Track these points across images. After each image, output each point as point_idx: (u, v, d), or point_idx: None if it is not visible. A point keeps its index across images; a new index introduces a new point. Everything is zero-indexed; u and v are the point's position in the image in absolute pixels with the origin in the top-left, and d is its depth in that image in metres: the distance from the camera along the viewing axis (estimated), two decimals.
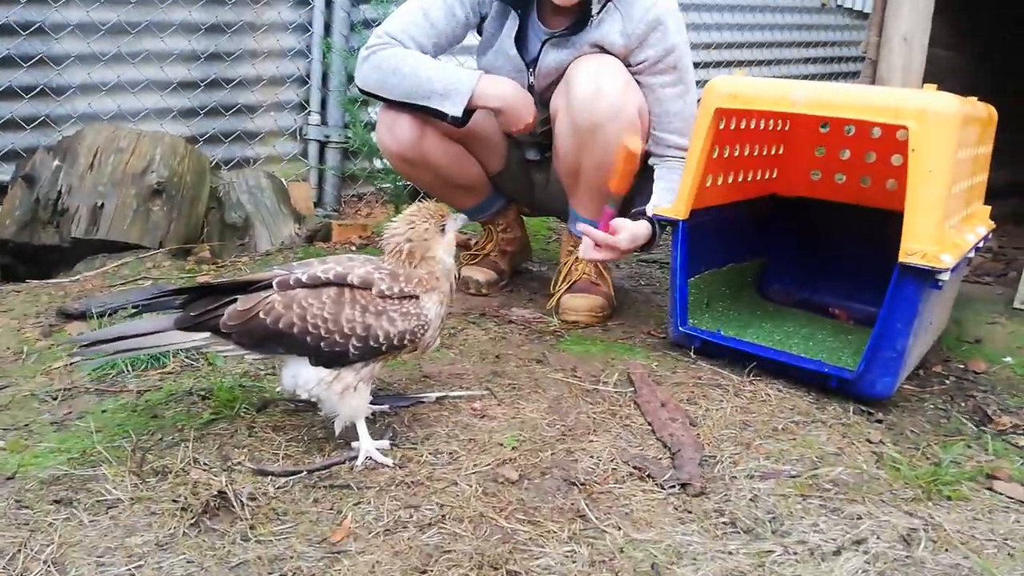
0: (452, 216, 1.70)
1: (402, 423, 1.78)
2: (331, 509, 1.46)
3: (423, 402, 1.87)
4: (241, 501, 1.46)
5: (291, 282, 1.58)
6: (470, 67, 2.52)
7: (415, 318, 1.61)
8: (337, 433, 1.66)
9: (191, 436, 1.68)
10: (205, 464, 1.59)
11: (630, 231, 2.21)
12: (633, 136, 2.16)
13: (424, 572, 1.31)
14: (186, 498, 1.46)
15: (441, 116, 2.28)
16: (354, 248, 3.14)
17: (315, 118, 3.49)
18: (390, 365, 1.89)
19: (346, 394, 1.59)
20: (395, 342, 1.59)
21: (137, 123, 3.11)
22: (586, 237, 2.19)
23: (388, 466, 1.59)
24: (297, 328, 1.54)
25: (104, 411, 1.81)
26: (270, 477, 1.55)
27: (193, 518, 1.41)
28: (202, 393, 1.88)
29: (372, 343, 1.56)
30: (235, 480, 1.53)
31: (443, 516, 1.45)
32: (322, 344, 1.55)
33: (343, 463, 1.60)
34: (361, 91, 2.42)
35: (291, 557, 1.33)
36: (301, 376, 1.59)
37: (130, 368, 2.00)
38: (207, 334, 1.59)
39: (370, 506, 1.47)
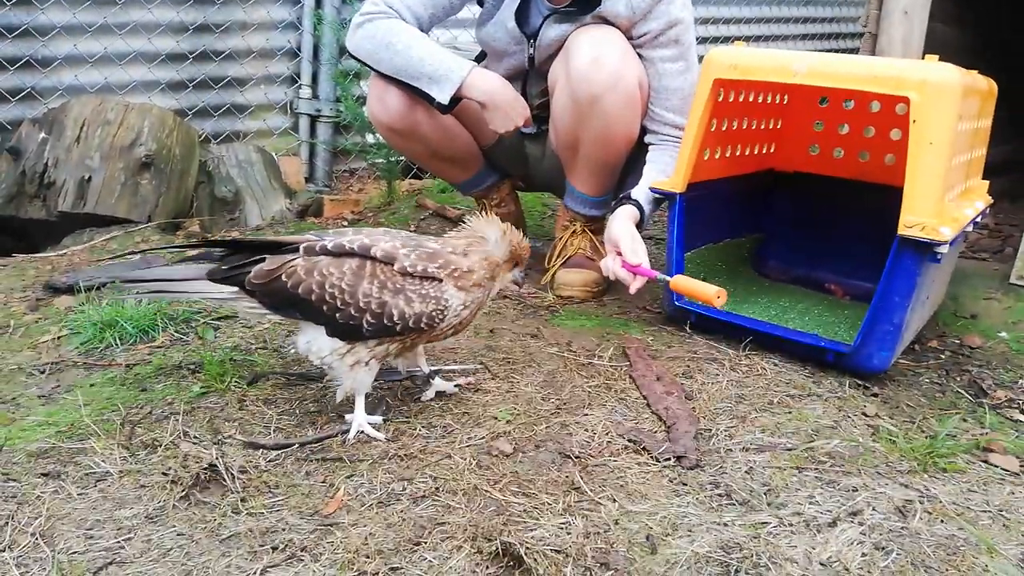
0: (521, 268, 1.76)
1: (395, 396, 1.77)
2: (323, 482, 1.45)
3: (416, 376, 1.85)
4: (232, 474, 1.44)
5: (317, 248, 1.57)
6: (464, 40, 2.48)
7: (433, 301, 1.57)
8: (337, 401, 1.65)
9: (181, 410, 1.66)
10: (195, 437, 1.57)
11: (629, 238, 2.12)
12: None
13: (418, 544, 1.30)
14: (176, 471, 1.44)
15: (428, 99, 2.24)
16: (346, 223, 3.11)
17: (306, 91, 3.43)
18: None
19: (356, 368, 1.58)
20: (410, 323, 1.55)
21: (125, 95, 3.06)
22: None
23: (380, 440, 1.58)
24: (315, 296, 1.53)
25: (92, 385, 1.78)
26: (261, 450, 1.53)
27: (183, 491, 1.40)
28: (192, 367, 1.85)
29: (386, 321, 1.54)
30: (226, 453, 1.51)
31: (437, 489, 1.44)
32: (337, 315, 1.54)
33: (335, 436, 1.58)
34: (341, 55, 2.38)
35: (283, 529, 1.32)
36: (315, 343, 1.58)
37: (119, 342, 1.97)
38: (234, 289, 1.59)
39: (363, 479, 1.46)
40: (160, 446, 1.53)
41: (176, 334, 2.04)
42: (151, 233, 2.75)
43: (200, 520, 1.34)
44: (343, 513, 1.36)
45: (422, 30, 2.31)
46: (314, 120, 3.48)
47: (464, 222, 1.71)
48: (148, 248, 2.62)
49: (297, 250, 1.58)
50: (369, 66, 2.32)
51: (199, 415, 1.65)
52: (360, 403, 1.61)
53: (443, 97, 2.20)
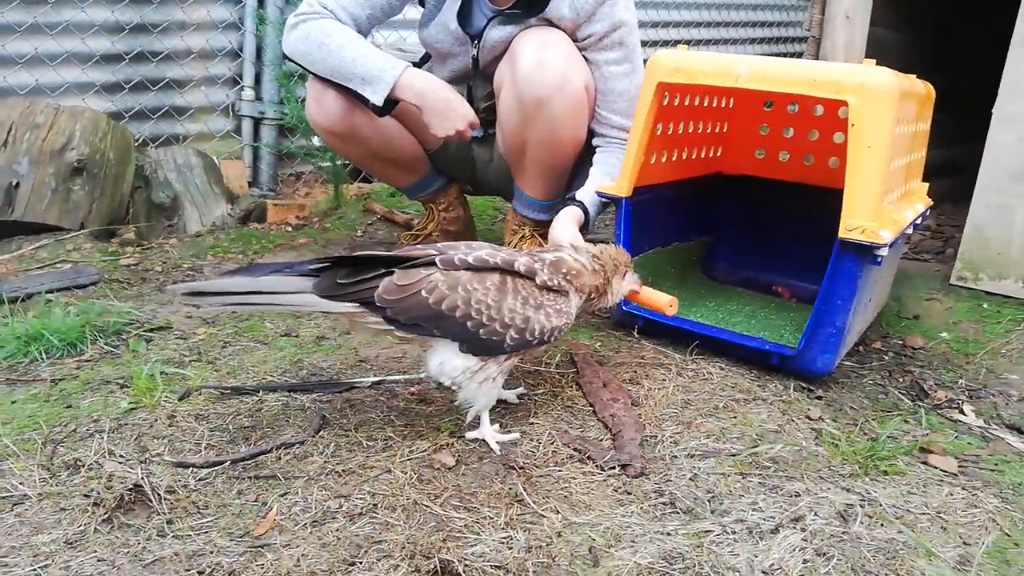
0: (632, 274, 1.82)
1: (334, 410, 1.71)
2: (255, 501, 1.39)
3: (357, 387, 1.80)
4: (158, 495, 1.38)
5: (456, 262, 1.51)
6: (412, 42, 2.43)
7: (565, 316, 1.60)
8: (468, 421, 1.63)
9: (107, 427, 1.59)
10: (121, 456, 1.50)
11: (568, 232, 2.13)
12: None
13: (353, 564, 1.25)
14: (99, 493, 1.37)
15: (364, 100, 2.19)
16: (290, 228, 3.04)
17: (249, 93, 3.35)
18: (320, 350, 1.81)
19: (485, 384, 1.56)
20: (546, 337, 1.57)
21: (57, 98, 2.94)
22: None
23: (497, 453, 1.57)
24: (460, 312, 1.48)
25: (14, 402, 1.70)
26: (191, 469, 1.46)
27: (106, 513, 1.33)
28: (121, 381, 1.77)
29: (528, 336, 1.54)
30: (152, 473, 1.44)
31: (375, 505, 1.39)
32: (481, 331, 1.49)
33: (270, 452, 1.52)
34: (286, 57, 2.31)
35: (210, 552, 1.26)
36: (449, 364, 1.53)
37: (44, 356, 1.89)
38: (354, 304, 1.48)
39: (297, 496, 1.41)
40: (83, 466, 1.46)
41: (106, 347, 1.96)
42: (83, 241, 2.65)
43: (123, 544, 1.28)
44: (275, 534, 1.31)
45: (361, 31, 2.26)
46: (258, 123, 3.40)
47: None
48: (80, 258, 2.52)
49: (428, 264, 1.50)
50: (304, 67, 2.26)
51: (126, 432, 1.58)
52: (486, 418, 1.61)
53: (376, 98, 2.15)
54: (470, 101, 2.39)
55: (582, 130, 2.31)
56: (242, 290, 1.48)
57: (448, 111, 2.17)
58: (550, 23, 2.25)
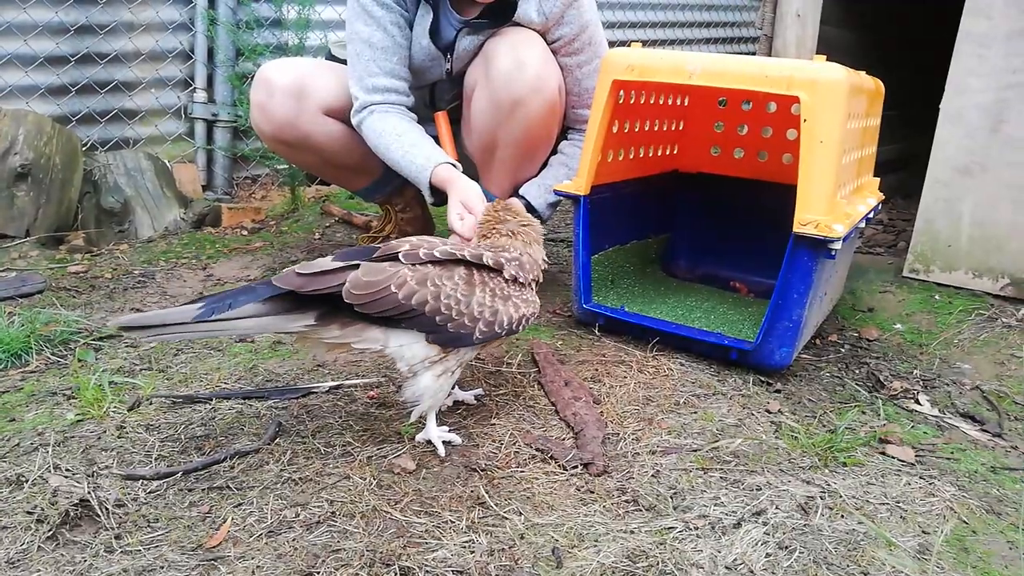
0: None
1: (291, 416, 1.67)
2: (208, 513, 1.35)
3: (314, 393, 1.77)
4: (106, 509, 1.33)
5: (421, 256, 1.49)
6: None
7: (532, 304, 1.62)
8: (413, 419, 1.60)
9: (52, 440, 1.53)
10: (67, 470, 1.44)
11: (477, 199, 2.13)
12: None
13: (310, 574, 1.22)
14: (43, 509, 1.31)
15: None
16: (246, 232, 2.98)
17: (201, 95, 3.27)
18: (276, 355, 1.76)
19: (442, 377, 1.53)
20: (514, 327, 1.57)
21: None
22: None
23: (441, 455, 1.56)
24: (429, 307, 1.46)
25: None
26: (140, 481, 1.42)
27: (50, 530, 1.28)
28: (67, 392, 1.71)
29: (497, 328, 1.54)
30: (100, 486, 1.39)
31: (333, 513, 1.36)
32: (449, 325, 1.48)
33: (224, 461, 1.48)
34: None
35: (161, 568, 1.22)
36: (410, 350, 1.50)
37: None
38: (312, 315, 1.43)
39: (252, 507, 1.37)
40: (26, 482, 1.40)
41: (53, 357, 1.89)
42: (29, 248, 2.56)
43: (68, 562, 1.23)
44: (229, 546, 1.27)
45: (406, 75, 2.29)
46: (211, 125, 3.32)
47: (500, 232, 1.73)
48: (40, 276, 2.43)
49: (390, 258, 1.48)
50: None
51: (72, 445, 1.52)
52: (432, 419, 1.59)
53: (428, 198, 2.22)
54: (433, 103, 2.37)
55: (554, 131, 2.32)
56: (183, 320, 1.39)
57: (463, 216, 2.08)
58: (519, 26, 2.24)
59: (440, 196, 2.20)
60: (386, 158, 2.25)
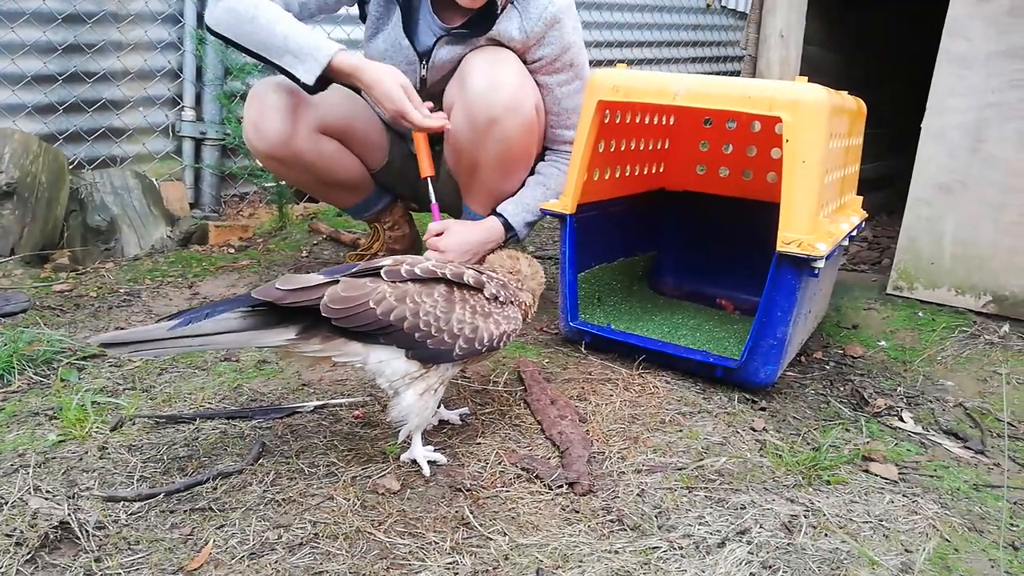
0: None
1: (275, 436, 1.67)
2: (190, 535, 1.34)
3: (299, 412, 1.76)
4: (87, 531, 1.32)
5: (402, 273, 1.50)
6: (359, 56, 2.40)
7: (514, 321, 1.63)
8: (401, 439, 1.59)
9: (33, 461, 1.51)
10: (47, 492, 1.43)
11: (458, 238, 2.21)
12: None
13: None
14: (22, 531, 1.30)
15: (294, 79, 2.08)
16: (232, 250, 2.97)
17: (189, 114, 3.27)
18: (266, 372, 1.76)
19: (425, 395, 1.53)
20: (495, 343, 1.58)
21: None
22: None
23: (426, 474, 1.56)
24: (408, 324, 1.46)
25: None
26: (122, 503, 1.41)
27: (29, 553, 1.26)
28: (49, 413, 1.70)
29: (477, 345, 1.54)
30: (81, 508, 1.38)
31: (316, 535, 1.35)
32: (428, 342, 1.48)
33: (206, 483, 1.47)
34: (210, 31, 2.15)
35: None
36: (390, 366, 1.49)
37: None
38: (295, 328, 1.44)
39: (235, 528, 1.36)
40: (6, 504, 1.39)
41: (36, 377, 1.88)
42: (14, 267, 2.55)
43: None
44: (210, 568, 1.26)
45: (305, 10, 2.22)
46: (199, 143, 3.32)
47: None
48: (11, 285, 2.42)
49: (372, 274, 1.49)
50: (229, 42, 2.12)
51: (53, 466, 1.51)
52: (418, 439, 1.58)
53: (308, 77, 2.04)
54: None
55: (533, 150, 2.33)
56: (163, 336, 1.39)
57: (391, 83, 2.06)
58: (499, 44, 2.26)
59: (323, 84, 2.07)
60: (264, 31, 2.03)
